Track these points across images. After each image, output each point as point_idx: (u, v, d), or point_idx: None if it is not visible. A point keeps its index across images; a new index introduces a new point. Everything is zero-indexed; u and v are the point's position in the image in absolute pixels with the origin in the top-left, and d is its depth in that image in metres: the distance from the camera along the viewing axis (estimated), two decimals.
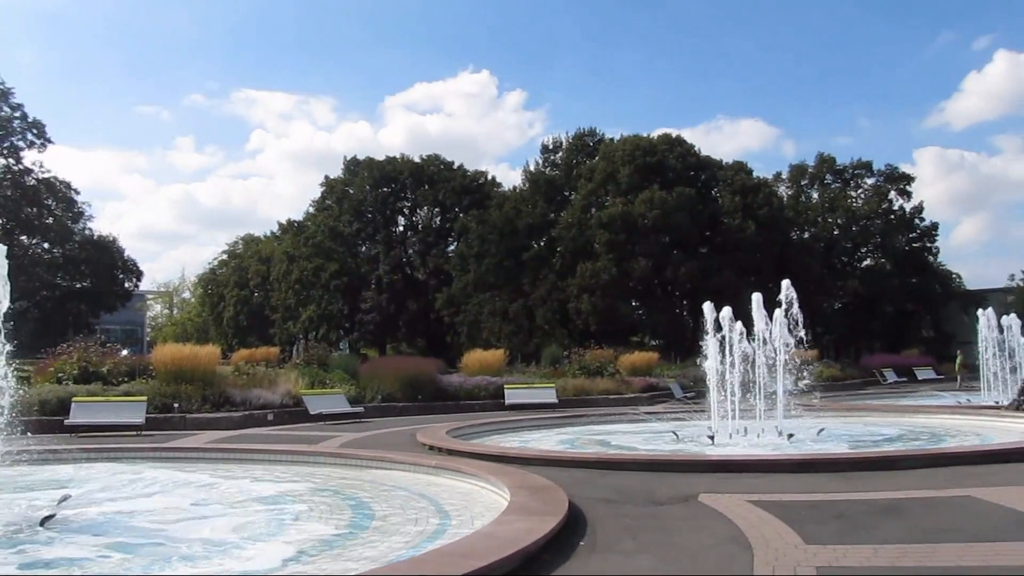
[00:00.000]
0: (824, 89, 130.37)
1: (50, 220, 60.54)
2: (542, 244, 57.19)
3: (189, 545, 8.15)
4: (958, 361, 39.98)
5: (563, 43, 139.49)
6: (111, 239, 64.07)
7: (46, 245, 61.62)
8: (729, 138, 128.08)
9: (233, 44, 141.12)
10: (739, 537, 7.47)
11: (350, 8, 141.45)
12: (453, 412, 26.21)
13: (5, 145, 58.42)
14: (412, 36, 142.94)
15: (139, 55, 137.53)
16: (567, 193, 59.23)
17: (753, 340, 17.74)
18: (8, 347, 9.93)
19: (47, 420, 20.08)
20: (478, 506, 9.73)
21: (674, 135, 57.80)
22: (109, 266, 62.88)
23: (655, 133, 57.91)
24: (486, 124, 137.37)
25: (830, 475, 11.21)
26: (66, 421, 20.07)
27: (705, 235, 53.80)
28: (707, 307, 18.60)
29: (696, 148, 58.01)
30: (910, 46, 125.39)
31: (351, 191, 69.88)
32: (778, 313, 18.00)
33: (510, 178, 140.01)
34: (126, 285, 65.48)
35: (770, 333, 17.80)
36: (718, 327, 18.13)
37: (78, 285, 62.25)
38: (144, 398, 21.54)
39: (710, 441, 16.06)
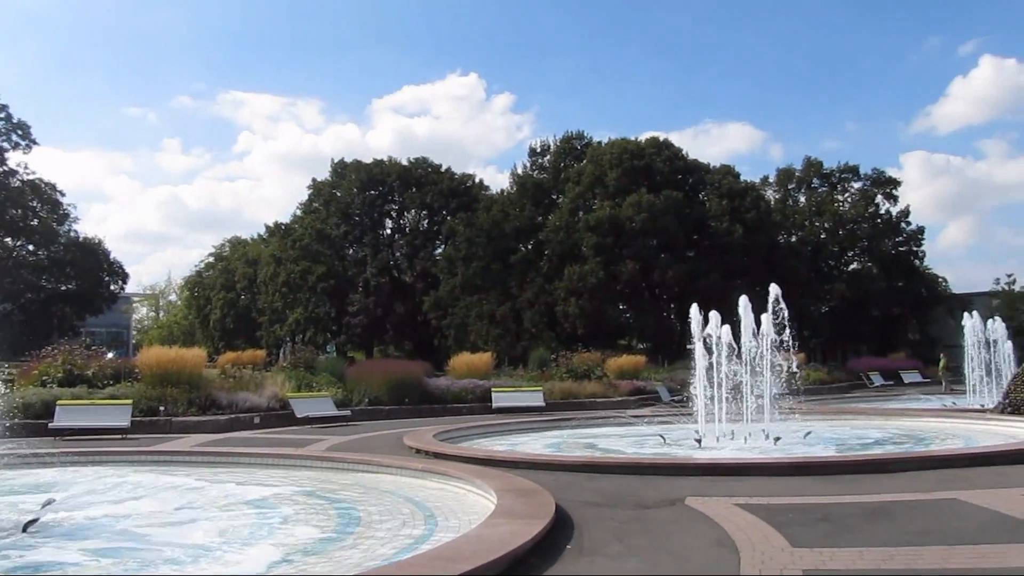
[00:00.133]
0: (811, 93, 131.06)
1: (35, 222, 60.14)
2: (530, 247, 57.22)
3: (174, 549, 8.11)
4: (941, 364, 40.26)
5: (551, 46, 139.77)
6: (97, 241, 63.73)
7: (31, 247, 61.23)
8: (717, 141, 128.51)
9: (220, 46, 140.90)
10: (726, 540, 7.48)
11: (338, 10, 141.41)
12: (440, 415, 26.18)
13: None
14: (400, 38, 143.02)
15: (125, 56, 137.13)
16: (555, 196, 59.29)
17: (740, 343, 17.75)
18: None
19: (31, 423, 20.00)
20: (465, 509, 9.71)
21: (662, 138, 58.10)
22: (95, 268, 62.53)
23: (643, 136, 58.13)
24: (474, 127, 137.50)
25: (817, 478, 11.23)
26: (50, 424, 19.98)
27: (692, 238, 53.90)
28: (694, 311, 18.63)
29: (684, 151, 58.26)
30: (897, 51, 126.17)
31: (338, 194, 69.77)
32: (765, 317, 18.04)
33: (498, 181, 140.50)
34: (112, 287, 65.09)
35: (757, 336, 17.83)
36: (705, 331, 18.15)
37: (63, 287, 61.83)
38: (129, 401, 21.44)
39: (697, 444, 16.08)
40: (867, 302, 61.67)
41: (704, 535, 7.75)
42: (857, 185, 67.25)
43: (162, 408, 22.27)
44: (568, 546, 7.43)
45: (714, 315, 18.09)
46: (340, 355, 58.16)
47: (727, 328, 17.95)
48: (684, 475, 11.82)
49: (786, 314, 18.00)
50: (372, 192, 69.23)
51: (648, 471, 12.20)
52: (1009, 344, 29.78)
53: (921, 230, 66.88)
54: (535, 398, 28.42)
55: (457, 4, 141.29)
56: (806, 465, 12.36)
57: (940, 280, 69.56)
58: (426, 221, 70.39)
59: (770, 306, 18.11)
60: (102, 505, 10.65)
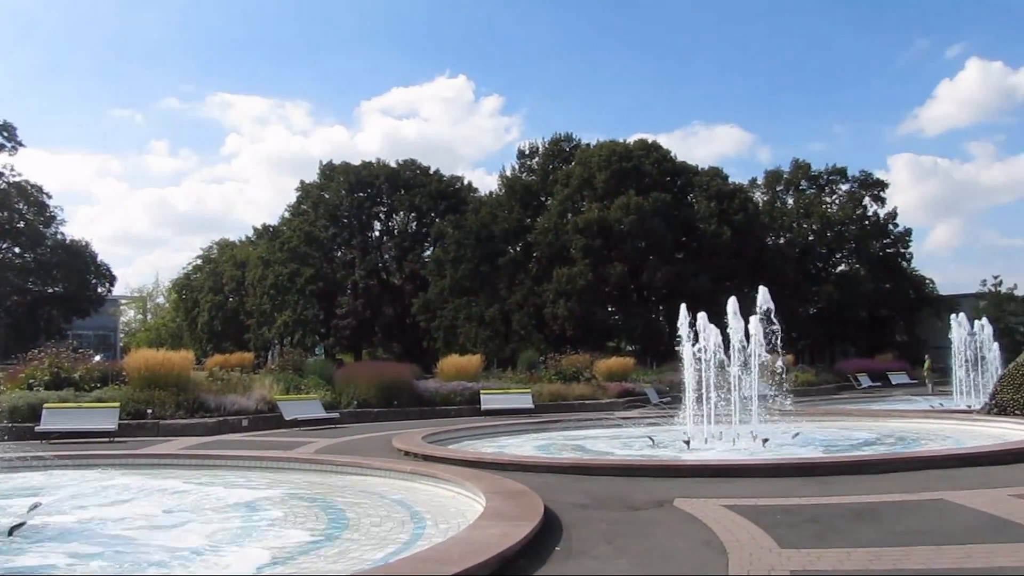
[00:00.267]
0: (799, 95, 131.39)
1: (21, 224, 59.77)
2: (518, 249, 57.24)
3: (162, 552, 8.08)
4: (926, 365, 40.50)
5: (540, 49, 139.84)
6: (84, 243, 63.40)
7: (17, 249, 60.80)
8: (705, 144, 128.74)
9: (208, 47, 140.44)
10: (714, 541, 7.50)
11: (326, 12, 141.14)
12: (429, 418, 26.17)
13: None
14: (389, 40, 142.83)
15: (112, 58, 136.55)
16: (543, 198, 59.32)
17: (729, 345, 17.79)
18: None
19: (17, 427, 19.87)
20: (453, 511, 9.71)
21: (650, 140, 58.11)
22: (82, 271, 62.20)
23: (631, 138, 58.16)
24: (463, 129, 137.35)
25: (804, 479, 11.26)
26: (37, 428, 19.91)
27: (681, 240, 53.99)
28: (683, 312, 18.66)
29: (672, 154, 58.30)
30: (884, 53, 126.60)
31: (327, 196, 69.62)
32: (754, 318, 18.08)
33: (486, 183, 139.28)
34: (99, 290, 64.73)
35: (746, 338, 17.88)
36: (693, 333, 18.19)
37: (50, 290, 61.46)
38: (117, 404, 21.36)
39: (685, 446, 16.11)
40: (855, 304, 61.88)
41: (692, 536, 7.77)
42: (845, 187, 67.52)
43: (149, 411, 22.19)
44: (557, 548, 7.44)
45: (702, 317, 18.13)
46: (329, 357, 58.02)
47: (715, 330, 18.00)
48: (673, 476, 11.85)
49: (774, 316, 18.04)
50: (360, 194, 69.12)
51: (637, 473, 12.23)
52: (995, 345, 29.95)
53: (908, 232, 67.24)
54: (524, 400, 28.43)
55: (446, 6, 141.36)
56: (794, 466, 12.40)
57: (927, 282, 69.82)
58: (415, 223, 70.31)
59: (758, 308, 18.16)
60: (89, 509, 10.61)
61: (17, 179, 59.09)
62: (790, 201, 67.90)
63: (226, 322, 77.83)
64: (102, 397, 22.64)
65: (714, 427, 17.27)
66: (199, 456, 15.62)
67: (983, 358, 29.59)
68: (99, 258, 64.48)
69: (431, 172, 70.31)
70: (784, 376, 19.34)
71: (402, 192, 68.68)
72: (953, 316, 31.32)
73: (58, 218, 61.96)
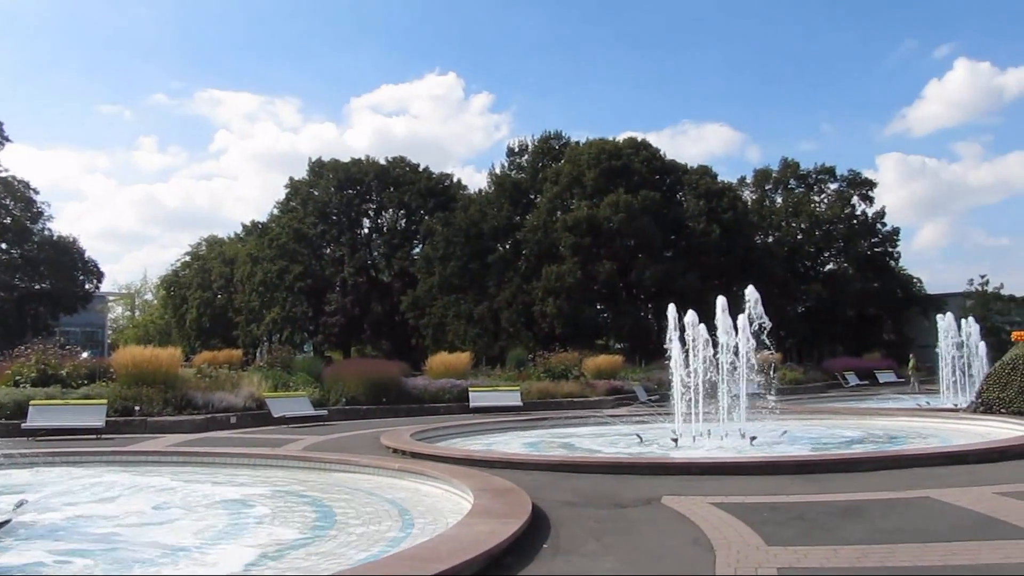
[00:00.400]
0: (788, 95, 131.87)
1: (8, 220, 59.41)
2: (507, 247, 57.16)
3: (149, 550, 8.06)
4: (911, 364, 40.74)
5: (530, 46, 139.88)
6: (71, 240, 63.11)
7: (3, 246, 60.37)
8: (694, 142, 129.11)
9: (197, 43, 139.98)
10: (701, 539, 7.52)
11: (316, 9, 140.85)
12: (418, 415, 26.18)
13: None
14: (379, 37, 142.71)
15: (100, 53, 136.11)
16: (532, 196, 59.26)
17: (717, 344, 17.82)
18: None
19: (3, 424, 19.88)
20: (441, 509, 9.71)
21: (640, 139, 58.02)
22: (69, 267, 61.94)
23: (621, 137, 58.09)
24: (452, 126, 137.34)
25: (792, 477, 11.30)
26: (23, 424, 19.84)
27: (670, 239, 54.01)
28: (671, 311, 18.69)
29: (661, 152, 58.24)
30: (873, 53, 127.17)
31: (316, 193, 69.43)
32: (742, 317, 18.12)
33: (476, 181, 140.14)
34: (87, 287, 64.46)
35: (734, 337, 17.91)
36: (682, 331, 18.22)
37: (37, 286, 61.18)
38: (104, 401, 21.30)
39: (674, 444, 16.14)
40: (843, 302, 62.06)
41: (680, 534, 7.79)
42: (833, 186, 67.64)
43: (137, 408, 22.13)
44: (544, 545, 7.45)
45: (691, 315, 18.16)
46: (317, 355, 57.92)
47: (704, 328, 18.03)
48: (660, 474, 11.87)
49: (763, 314, 18.08)
50: (350, 191, 68.96)
51: (625, 470, 12.25)
52: (982, 344, 30.09)
53: (896, 231, 67.46)
54: (512, 398, 28.46)
55: (436, 3, 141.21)
56: (782, 464, 12.44)
57: (915, 281, 70.12)
58: (404, 220, 70.18)
59: (747, 307, 18.19)
60: (76, 506, 10.57)
61: (4, 175, 58.86)
62: (779, 200, 68.00)
63: (214, 319, 77.64)
64: (89, 394, 22.58)
65: (702, 425, 17.30)
66: (187, 453, 15.58)
67: (969, 357, 29.72)
68: (87, 255, 64.29)
69: (420, 169, 70.19)
70: (772, 374, 19.40)
71: (391, 189, 68.54)
72: (940, 315, 31.45)
73: (45, 214, 61.73)
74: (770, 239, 63.77)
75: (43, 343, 27.58)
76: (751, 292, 18.30)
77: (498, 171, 62.59)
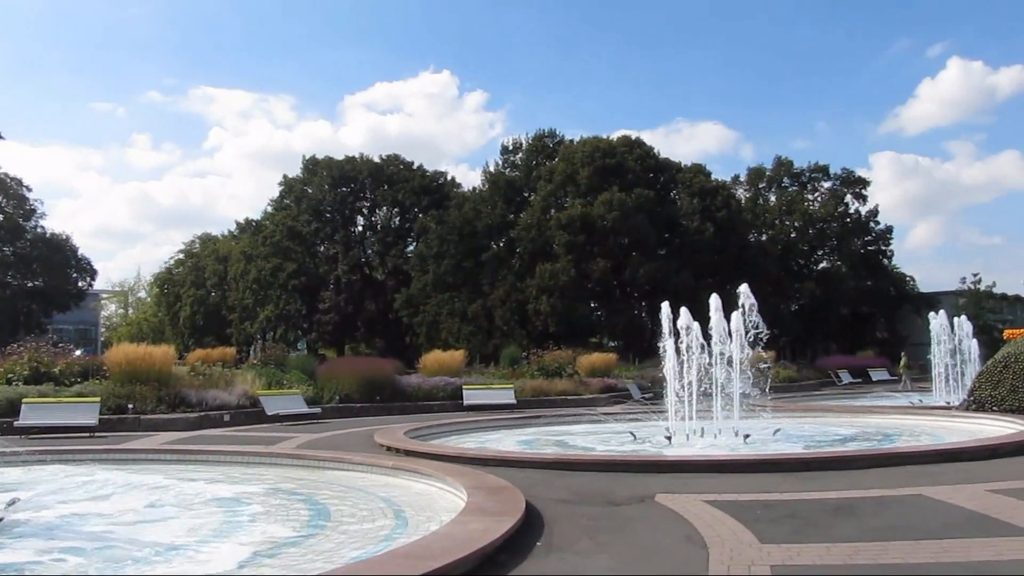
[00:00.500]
0: (782, 93, 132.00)
1: (0, 218, 59.33)
2: (501, 245, 57.15)
3: (143, 548, 8.05)
4: (902, 362, 40.88)
5: (524, 44, 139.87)
6: (64, 237, 62.93)
7: None
8: (688, 140, 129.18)
9: (191, 41, 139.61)
10: (695, 536, 7.54)
11: (311, 6, 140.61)
12: (411, 413, 26.17)
13: None
14: (373, 35, 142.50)
15: (94, 50, 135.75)
16: (526, 194, 59.23)
17: (711, 342, 17.84)
18: None
19: None
20: (435, 507, 9.72)
21: (633, 137, 58.03)
22: (62, 265, 61.76)
23: (615, 135, 58.09)
24: (446, 124, 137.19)
25: (785, 475, 11.32)
26: (16, 423, 19.75)
27: (664, 237, 54.06)
28: (665, 309, 18.70)
29: (655, 150, 58.30)
30: (866, 52, 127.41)
31: (310, 190, 69.33)
32: (736, 315, 18.14)
33: (470, 179, 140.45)
34: (80, 284, 64.27)
35: (728, 335, 17.93)
36: (676, 329, 18.23)
37: (30, 284, 60.99)
38: (97, 399, 21.24)
39: (667, 442, 16.17)
40: (836, 301, 62.21)
41: (674, 532, 7.81)
42: (827, 185, 67.78)
43: (130, 406, 22.07)
44: (538, 543, 7.46)
45: (685, 313, 18.17)
46: (311, 352, 57.95)
47: (698, 326, 18.04)
48: (654, 472, 11.90)
49: (756, 312, 18.10)
50: (343, 189, 68.84)
51: (619, 468, 12.27)
52: (974, 342, 30.17)
53: (890, 229, 67.68)
54: (506, 396, 28.45)
55: (430, 1, 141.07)
56: (775, 462, 12.46)
57: (908, 279, 70.40)
58: (398, 218, 70.07)
59: (740, 305, 18.21)
60: (69, 504, 10.55)
61: None
62: (772, 198, 68.11)
63: (208, 317, 77.51)
64: (82, 392, 22.52)
65: (696, 423, 17.32)
66: (180, 451, 15.57)
67: (962, 355, 29.80)
68: (80, 252, 64.10)
69: (414, 167, 70.11)
70: (766, 372, 19.42)
71: (385, 187, 68.46)
72: (933, 313, 31.53)
73: (38, 211, 61.55)
74: (764, 237, 63.86)
75: (36, 341, 27.50)
76: (745, 293, 18.31)
77: (492, 169, 62.54)
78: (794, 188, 67.84)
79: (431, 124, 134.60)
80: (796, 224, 65.34)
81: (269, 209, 72.86)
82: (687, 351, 17.83)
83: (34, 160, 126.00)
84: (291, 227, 67.12)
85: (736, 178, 68.98)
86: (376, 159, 70.05)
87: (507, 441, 17.95)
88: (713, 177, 59.46)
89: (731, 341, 17.83)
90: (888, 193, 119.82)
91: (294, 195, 69.99)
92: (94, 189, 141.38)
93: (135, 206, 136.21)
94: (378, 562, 6.46)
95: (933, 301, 59.39)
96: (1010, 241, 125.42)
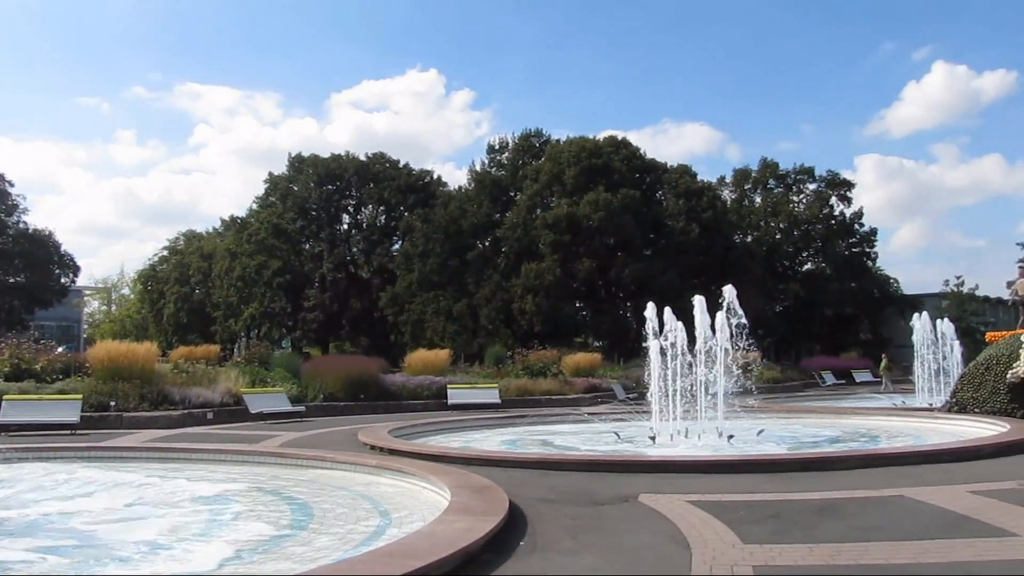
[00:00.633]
0: (768, 95, 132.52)
1: None
2: (487, 244, 57.14)
3: (125, 546, 7.99)
4: (883, 364, 41.07)
5: (511, 44, 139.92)
6: (47, 233, 62.62)
7: None
8: (674, 141, 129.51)
9: (177, 36, 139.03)
10: (678, 537, 7.54)
11: (297, 2, 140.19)
12: (396, 412, 26.12)
13: None
14: (360, 33, 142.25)
15: (78, 45, 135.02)
16: (512, 193, 59.23)
17: (695, 342, 17.87)
18: None
19: None
20: (419, 506, 9.69)
21: (620, 137, 58.10)
22: (45, 260, 61.42)
23: (601, 135, 58.13)
24: (433, 123, 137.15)
25: (768, 476, 11.35)
26: None
27: (649, 237, 54.13)
28: (650, 309, 18.72)
29: (641, 151, 58.38)
30: (852, 55, 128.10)
31: (295, 188, 69.10)
32: (720, 316, 18.18)
33: (456, 177, 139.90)
34: (62, 280, 63.98)
35: (712, 335, 17.96)
36: (661, 329, 18.26)
37: (11, 280, 60.62)
38: (79, 396, 21.10)
39: (651, 442, 16.18)
40: (820, 302, 62.50)
41: (657, 532, 7.81)
42: (812, 186, 68.05)
43: (113, 403, 21.95)
44: (521, 543, 7.45)
45: (669, 314, 18.19)
46: (295, 351, 57.78)
47: (682, 326, 18.07)
48: (638, 472, 11.91)
49: (741, 313, 18.13)
50: (329, 187, 68.64)
51: (602, 468, 12.26)
52: (957, 344, 30.34)
53: (874, 231, 68.07)
54: (491, 395, 28.43)
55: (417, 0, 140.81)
56: (758, 463, 12.50)
57: (892, 281, 70.77)
58: (383, 217, 69.93)
59: (725, 305, 18.24)
60: (50, 502, 10.47)
61: None
62: (758, 200, 68.33)
63: (192, 314, 77.22)
64: (64, 389, 22.39)
65: (680, 423, 17.35)
66: (163, 449, 15.49)
67: (944, 357, 29.96)
68: (63, 248, 63.86)
69: (401, 166, 69.99)
70: (750, 373, 19.46)
71: (371, 185, 68.28)
72: (916, 315, 31.69)
73: (20, 207, 61.30)
74: (749, 239, 64.04)
75: (17, 337, 27.35)
76: (729, 292, 18.34)
77: (478, 168, 62.51)
78: (779, 190, 68.07)
79: (418, 122, 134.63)
80: (781, 225, 65.58)
81: (254, 206, 72.59)
82: (672, 351, 17.86)
83: (17, 155, 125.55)
84: (276, 225, 66.89)
85: (722, 179, 69.29)
86: (362, 157, 69.91)
87: (491, 440, 17.95)
88: (699, 178, 59.60)
89: (715, 342, 17.86)
90: (873, 195, 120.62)
91: (279, 192, 69.73)
92: (78, 185, 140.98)
93: (119, 202, 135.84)
94: (361, 561, 6.44)
95: (916, 303, 59.69)
96: (993, 244, 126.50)
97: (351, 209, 70.59)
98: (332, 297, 64.81)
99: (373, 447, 14.88)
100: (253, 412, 23.26)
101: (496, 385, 29.71)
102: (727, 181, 69.13)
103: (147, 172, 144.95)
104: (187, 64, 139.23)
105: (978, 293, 63.40)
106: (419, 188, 68.29)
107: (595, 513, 8.85)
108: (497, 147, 63.35)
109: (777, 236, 65.50)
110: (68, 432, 19.37)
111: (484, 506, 8.35)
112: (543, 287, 49.68)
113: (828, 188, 67.46)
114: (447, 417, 22.68)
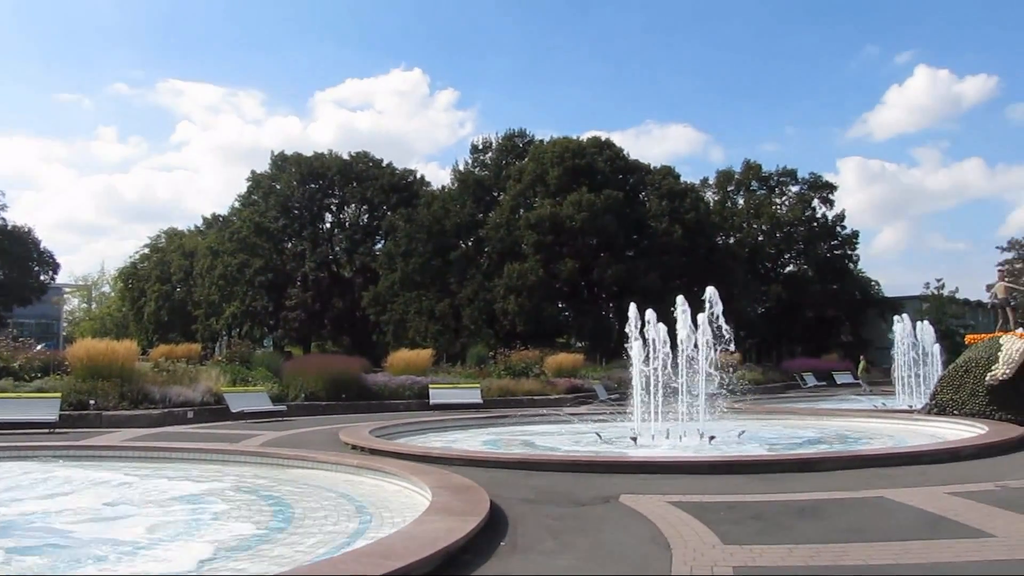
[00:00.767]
0: (752, 97, 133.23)
1: None
2: (470, 244, 57.11)
3: (103, 546, 7.94)
4: (861, 366, 41.35)
5: (495, 44, 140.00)
6: (27, 229, 62.19)
7: None
8: (658, 142, 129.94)
9: (160, 33, 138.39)
10: (658, 537, 7.55)
11: (281, 1, 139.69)
12: (377, 411, 26.06)
13: None
14: (344, 31, 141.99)
15: (59, 41, 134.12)
16: (496, 193, 59.22)
17: (677, 343, 17.91)
18: None
19: None
20: (399, 506, 9.68)
21: (603, 138, 58.11)
22: (24, 258, 61.00)
23: (584, 136, 58.14)
24: (416, 122, 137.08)
25: (749, 476, 11.39)
26: None
27: (632, 238, 54.19)
28: (632, 310, 18.75)
29: (625, 152, 58.42)
30: (835, 58, 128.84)
31: (278, 186, 68.85)
32: (702, 317, 18.23)
33: (439, 177, 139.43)
34: (42, 278, 63.55)
35: (694, 336, 18.00)
36: (643, 330, 18.29)
37: None
38: (58, 395, 20.95)
39: (633, 443, 16.21)
40: (802, 304, 62.81)
41: (637, 532, 7.82)
42: (794, 189, 68.44)
43: (92, 402, 21.80)
44: (502, 543, 7.44)
45: (651, 314, 18.24)
46: (277, 350, 57.54)
47: (664, 327, 18.11)
48: (619, 473, 11.92)
49: (722, 315, 18.19)
50: (312, 185, 68.44)
51: (583, 469, 12.27)
52: (937, 347, 30.54)
53: (856, 234, 68.47)
54: (473, 395, 28.43)
55: None
56: (739, 464, 12.55)
57: (873, 283, 71.16)
58: (366, 216, 69.78)
59: (707, 307, 18.29)
60: (27, 502, 10.40)
61: None
62: (741, 201, 68.61)
63: (173, 312, 76.87)
64: (43, 387, 22.21)
65: (661, 424, 17.39)
66: (142, 448, 15.41)
67: (924, 359, 30.16)
68: (42, 245, 63.42)
69: (384, 165, 69.88)
70: (731, 374, 19.52)
71: (354, 184, 68.12)
72: (896, 318, 31.88)
73: None
74: (731, 240, 64.26)
75: None
76: (711, 293, 18.40)
77: (462, 168, 62.53)
78: (762, 192, 68.36)
79: (401, 122, 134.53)
80: (764, 227, 65.86)
81: (236, 205, 72.30)
82: (653, 352, 17.89)
83: None
84: (258, 223, 66.63)
85: (705, 181, 69.47)
86: (345, 156, 69.75)
87: (473, 440, 17.94)
88: (682, 179, 59.67)
89: (696, 343, 17.91)
90: (854, 198, 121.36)
91: (262, 191, 69.48)
92: (59, 181, 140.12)
93: (100, 199, 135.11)
94: (341, 561, 6.42)
95: (897, 305, 60.04)
96: (974, 247, 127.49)
97: (334, 208, 70.42)
98: (314, 296, 64.66)
99: (354, 447, 14.85)
100: (234, 411, 23.18)
101: (478, 385, 29.72)
102: (710, 183, 69.40)
103: (129, 169, 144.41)
104: (170, 61, 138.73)
105: (958, 296, 63.87)
106: (402, 187, 68.19)
107: (576, 514, 8.85)
108: (481, 147, 63.36)
109: (759, 238, 65.79)
110: (47, 431, 19.24)
111: (465, 506, 8.34)
112: (526, 287, 49.69)
113: (810, 190, 67.82)
114: (429, 417, 22.66)
